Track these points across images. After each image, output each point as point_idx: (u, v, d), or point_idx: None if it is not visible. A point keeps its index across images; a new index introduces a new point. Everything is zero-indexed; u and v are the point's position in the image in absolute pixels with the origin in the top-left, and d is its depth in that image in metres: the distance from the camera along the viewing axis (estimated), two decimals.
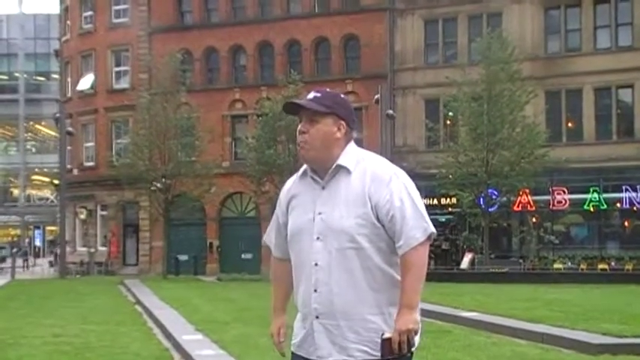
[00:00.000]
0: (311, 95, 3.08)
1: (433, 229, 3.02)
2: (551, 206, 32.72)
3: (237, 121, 38.22)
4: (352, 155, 3.04)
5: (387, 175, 3.01)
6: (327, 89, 3.16)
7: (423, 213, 3.02)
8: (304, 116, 3.05)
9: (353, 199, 2.97)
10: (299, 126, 3.08)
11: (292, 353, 3.13)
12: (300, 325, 3.08)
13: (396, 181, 3.01)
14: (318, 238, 2.97)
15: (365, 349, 2.93)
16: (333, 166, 3.02)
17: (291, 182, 3.20)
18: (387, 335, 2.93)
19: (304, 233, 3.01)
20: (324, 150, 3.02)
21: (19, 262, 45.33)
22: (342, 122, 3.05)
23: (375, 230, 2.96)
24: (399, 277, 2.96)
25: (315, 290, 2.97)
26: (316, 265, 2.96)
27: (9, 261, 39.32)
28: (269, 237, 3.29)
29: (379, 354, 2.92)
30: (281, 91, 31.06)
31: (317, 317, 2.97)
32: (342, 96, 3.18)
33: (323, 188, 3.03)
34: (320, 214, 2.99)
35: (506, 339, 10.70)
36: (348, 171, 3.02)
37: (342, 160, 3.02)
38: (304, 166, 3.12)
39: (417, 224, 2.97)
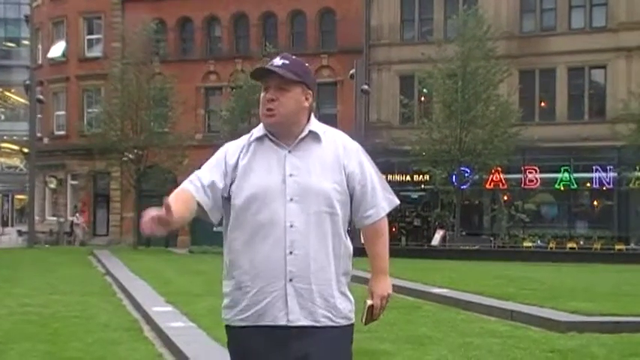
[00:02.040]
0: (279, 61, 2.99)
1: (398, 201, 3.15)
2: (522, 185, 32.99)
3: (211, 93, 37.94)
4: (319, 124, 3.05)
5: (355, 147, 3.08)
6: (293, 56, 3.08)
7: (387, 185, 3.14)
8: (272, 83, 2.96)
9: (329, 165, 2.97)
10: (266, 93, 2.98)
11: (238, 327, 2.94)
12: (257, 293, 2.89)
13: (362, 153, 3.09)
14: (292, 200, 2.90)
15: (328, 315, 2.92)
16: (306, 132, 2.99)
17: (238, 145, 3.05)
18: (369, 302, 3.02)
19: (272, 194, 2.90)
20: (293, 118, 2.98)
21: None
22: (310, 92, 3.03)
23: (345, 198, 2.99)
24: (351, 248, 3.03)
25: (291, 253, 2.87)
26: (292, 226, 2.88)
27: None
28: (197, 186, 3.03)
29: (342, 321, 2.94)
30: (256, 63, 30.71)
31: (290, 280, 2.87)
32: (307, 65, 3.13)
33: (289, 152, 2.97)
34: (292, 175, 2.92)
35: (476, 316, 10.78)
36: (318, 138, 3.01)
37: (313, 127, 3.01)
38: (259, 132, 3.02)
39: (385, 195, 3.08)
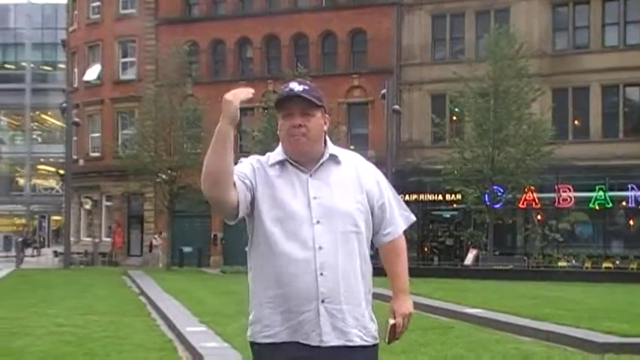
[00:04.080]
0: (299, 87, 3.00)
1: (414, 218, 3.21)
2: (556, 204, 32.63)
3: (243, 113, 37.01)
4: (335, 147, 3.09)
5: (371, 167, 3.15)
6: (307, 80, 3.11)
7: (403, 203, 3.20)
8: (297, 109, 2.98)
9: (350, 185, 3.02)
10: (289, 120, 2.99)
11: (265, 344, 2.93)
12: (285, 312, 2.90)
13: (377, 171, 3.16)
14: (318, 222, 2.93)
15: (360, 334, 2.95)
16: (326, 156, 3.03)
17: (261, 164, 3.04)
18: (392, 321, 3.05)
19: (298, 217, 2.92)
20: (318, 143, 3.03)
21: (30, 251, 45.68)
22: (327, 116, 3.09)
23: (367, 217, 3.04)
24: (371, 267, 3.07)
25: (322, 274, 2.89)
26: (320, 248, 2.90)
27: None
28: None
29: (371, 340, 2.97)
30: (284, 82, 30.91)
31: (322, 301, 2.89)
32: None
33: (311, 176, 3.00)
34: (315, 198, 2.95)
35: (511, 336, 10.67)
36: (337, 160, 3.05)
37: (332, 150, 3.06)
38: (279, 156, 3.03)
39: (401, 212, 3.15)
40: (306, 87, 3.01)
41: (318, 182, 2.99)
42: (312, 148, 3.01)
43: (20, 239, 43.28)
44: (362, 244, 3.00)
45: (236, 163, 3.02)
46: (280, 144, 3.08)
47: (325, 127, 3.06)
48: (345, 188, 3.00)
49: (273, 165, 3.03)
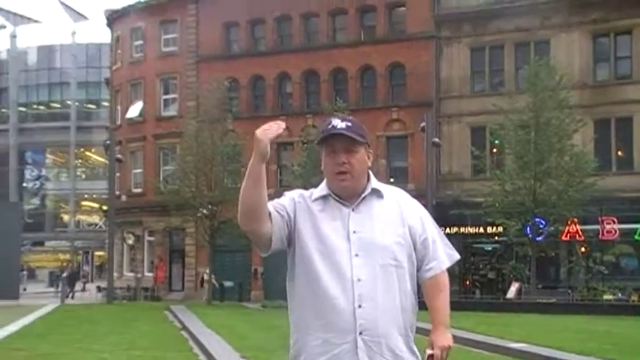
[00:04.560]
0: (342, 124, 3.05)
1: (458, 256, 3.23)
2: (600, 236, 32.10)
3: (283, 148, 38.41)
4: (378, 182, 3.13)
5: (414, 202, 3.18)
6: (350, 116, 3.15)
7: (447, 241, 3.21)
8: (341, 146, 3.03)
9: (392, 219, 3.05)
10: (333, 157, 3.04)
11: None
12: (321, 344, 2.93)
13: (421, 207, 3.20)
14: (357, 255, 2.96)
15: None
16: (369, 190, 3.07)
17: (303, 198, 3.10)
18: (430, 352, 3.04)
19: (338, 251, 2.96)
20: (362, 179, 3.07)
21: (79, 286, 46.33)
22: (371, 151, 3.13)
23: (410, 251, 3.06)
24: (416, 303, 3.09)
25: (360, 306, 2.92)
26: (359, 280, 2.93)
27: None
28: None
29: None
30: (326, 119, 31.15)
31: (360, 333, 2.91)
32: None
33: (352, 210, 3.04)
34: (355, 232, 2.99)
35: None
36: (380, 194, 3.09)
37: (374, 184, 3.10)
38: (322, 191, 3.08)
39: (445, 250, 3.16)
40: (349, 124, 3.06)
41: (360, 216, 3.03)
42: (356, 185, 3.05)
43: (65, 274, 43.86)
44: (402, 278, 3.02)
45: (280, 197, 3.11)
46: (324, 181, 3.12)
47: (369, 163, 3.10)
48: (386, 222, 3.04)
49: (316, 200, 3.08)
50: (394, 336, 2.97)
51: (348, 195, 3.06)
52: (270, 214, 2.97)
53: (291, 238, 3.05)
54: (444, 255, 3.14)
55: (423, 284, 3.14)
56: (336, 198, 3.06)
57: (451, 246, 3.21)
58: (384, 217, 3.04)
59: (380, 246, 2.99)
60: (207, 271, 35.40)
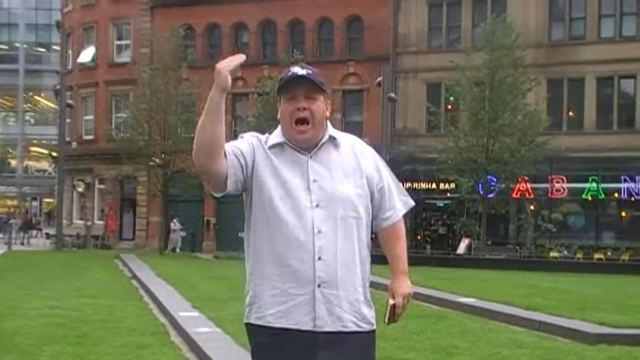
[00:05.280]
0: (303, 71, 2.98)
1: (413, 202, 3.21)
2: (549, 194, 32.71)
3: (238, 99, 38.05)
4: (334, 129, 3.07)
5: (370, 151, 3.13)
6: (310, 66, 3.08)
7: (402, 187, 3.21)
8: (300, 92, 2.97)
9: (351, 169, 3.01)
10: (292, 103, 2.97)
11: (258, 326, 2.93)
12: (278, 294, 2.89)
13: (376, 155, 3.15)
14: (317, 206, 2.91)
15: (354, 320, 2.94)
16: (326, 138, 3.02)
17: (260, 141, 3.03)
18: (392, 301, 3.04)
19: (298, 199, 2.91)
20: (320, 129, 3.01)
21: (34, 233, 45.86)
22: (329, 102, 3.08)
23: (367, 202, 3.03)
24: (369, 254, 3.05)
25: (320, 258, 2.88)
26: (319, 232, 2.89)
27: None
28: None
29: (367, 326, 2.97)
30: (283, 70, 30.90)
31: (319, 286, 2.88)
32: None
33: (310, 158, 2.98)
34: (315, 181, 2.94)
35: (503, 326, 10.72)
36: (337, 143, 3.04)
37: (331, 132, 3.04)
38: (278, 138, 3.01)
39: (400, 196, 3.15)
40: (310, 71, 3.00)
41: (318, 165, 2.98)
42: (315, 135, 2.99)
43: (17, 221, 43.22)
44: (361, 229, 2.99)
45: (236, 139, 3.04)
46: (279, 127, 3.05)
47: (327, 113, 3.04)
48: (344, 172, 2.99)
49: (271, 147, 3.01)
50: (352, 288, 2.95)
51: (305, 145, 3.00)
52: (225, 154, 2.90)
53: (248, 183, 2.98)
54: (399, 203, 3.13)
55: (381, 233, 3.12)
56: (292, 145, 3.00)
57: (405, 192, 3.20)
58: (342, 166, 3.00)
59: (341, 197, 2.95)
60: (175, 220, 35.20)
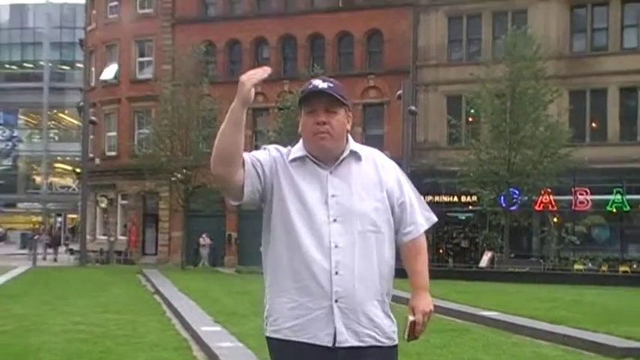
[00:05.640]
0: (324, 84, 2.99)
1: (435, 218, 3.17)
2: (573, 207, 32.44)
3: (259, 114, 38.20)
4: (356, 144, 3.07)
5: (392, 165, 3.12)
6: (331, 78, 3.09)
7: (424, 202, 3.19)
8: (321, 106, 2.97)
9: (370, 183, 3.00)
10: (312, 117, 2.97)
11: (276, 340, 2.93)
12: (295, 307, 2.89)
13: (398, 170, 3.13)
14: (335, 220, 2.91)
15: (373, 334, 2.92)
16: (347, 152, 3.01)
17: (281, 154, 3.04)
18: (412, 318, 3.01)
19: (315, 214, 2.91)
20: (340, 141, 3.01)
21: (62, 249, 46.27)
22: (350, 115, 3.07)
23: (388, 216, 3.02)
24: (393, 268, 3.04)
25: (337, 273, 2.87)
26: (336, 247, 2.88)
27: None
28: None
29: (387, 341, 2.95)
30: (303, 84, 31.07)
31: (336, 301, 2.87)
32: None
33: (330, 173, 2.98)
34: (333, 196, 2.94)
35: (527, 340, 10.61)
36: (358, 157, 3.04)
37: (353, 146, 3.04)
38: (299, 152, 3.02)
39: (423, 211, 3.13)
40: (331, 84, 3.00)
41: (338, 180, 2.97)
42: (335, 146, 2.99)
43: (43, 237, 43.55)
44: (381, 244, 2.98)
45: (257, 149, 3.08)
46: (301, 141, 3.06)
47: (348, 126, 3.04)
48: (364, 187, 2.98)
49: (293, 160, 3.02)
50: (370, 303, 2.93)
51: (326, 157, 3.00)
52: (244, 163, 2.93)
53: (266, 194, 2.99)
54: (421, 218, 3.10)
55: (402, 248, 3.10)
56: (314, 160, 3.00)
57: (428, 208, 3.18)
58: (362, 181, 2.99)
59: (358, 212, 2.94)
60: (204, 235, 35.34)
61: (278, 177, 2.99)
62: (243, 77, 2.85)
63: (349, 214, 2.92)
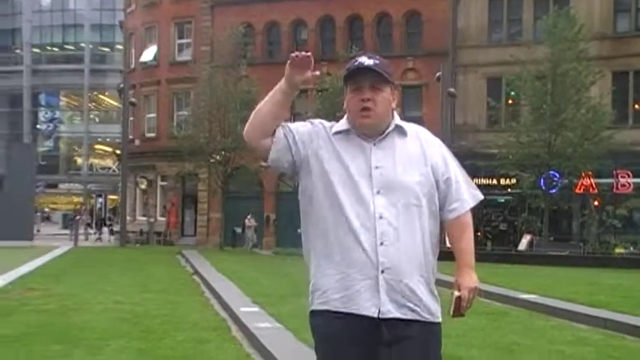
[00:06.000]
0: (369, 61, 2.97)
1: (482, 196, 3.14)
2: (614, 190, 31.95)
3: (298, 96, 36.96)
4: (401, 121, 3.07)
5: (437, 142, 3.11)
6: (377, 56, 3.07)
7: (470, 180, 3.14)
8: (366, 83, 2.96)
9: (414, 158, 2.99)
10: (357, 94, 2.97)
11: (324, 311, 2.92)
12: (343, 278, 2.88)
13: (443, 146, 3.12)
14: (379, 192, 2.90)
15: (417, 309, 2.91)
16: (392, 127, 3.01)
17: (325, 128, 3.05)
18: (457, 293, 3.00)
19: (360, 185, 2.90)
20: (385, 118, 3.00)
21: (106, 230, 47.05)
22: (396, 92, 3.06)
23: (432, 191, 2.99)
24: (438, 246, 3.03)
25: (382, 243, 2.86)
26: (381, 217, 2.87)
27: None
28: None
29: (429, 317, 2.93)
30: (342, 66, 31.03)
31: (382, 271, 2.86)
32: None
33: (374, 145, 2.97)
34: (377, 168, 2.93)
35: (567, 323, 10.51)
36: (403, 132, 3.03)
37: (398, 122, 3.04)
38: (343, 126, 3.02)
39: (469, 188, 3.09)
40: (377, 61, 2.98)
41: (382, 152, 2.97)
42: (379, 123, 2.98)
43: (84, 218, 44.24)
44: (424, 217, 2.95)
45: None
46: (345, 116, 3.05)
47: (393, 104, 3.03)
48: (408, 160, 2.97)
49: (335, 134, 3.02)
50: (415, 277, 2.91)
51: (370, 132, 2.99)
52: (274, 132, 2.99)
53: (301, 166, 3.01)
54: (467, 194, 3.07)
55: (447, 225, 3.08)
56: (358, 133, 3.00)
57: (474, 185, 3.14)
58: (406, 154, 2.98)
59: (402, 184, 2.92)
60: (249, 217, 35.60)
61: (319, 149, 2.98)
62: (294, 66, 3.00)
63: (393, 187, 2.91)
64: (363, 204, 2.89)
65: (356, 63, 3.00)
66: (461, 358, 7.27)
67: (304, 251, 3.09)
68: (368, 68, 2.95)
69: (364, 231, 2.87)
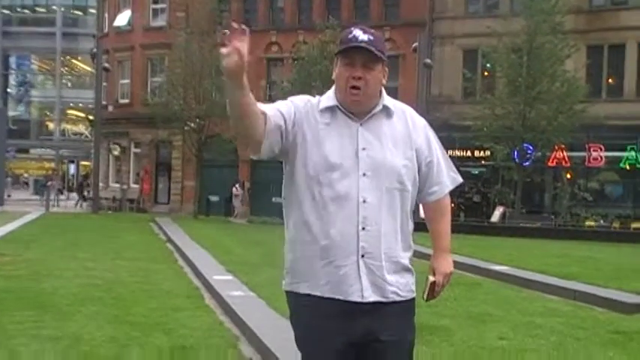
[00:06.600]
0: (364, 36, 2.88)
1: (461, 179, 3.16)
2: (586, 163, 32.28)
3: (273, 64, 37.95)
4: (389, 97, 3.01)
5: (423, 123, 3.07)
6: (372, 29, 2.98)
7: (451, 163, 3.14)
8: (359, 61, 2.87)
9: (401, 140, 2.94)
10: (348, 69, 2.87)
11: (304, 295, 2.89)
12: (328, 264, 2.85)
13: (428, 128, 3.07)
14: (364, 174, 2.86)
15: (396, 290, 2.90)
16: (379, 107, 2.94)
17: (311, 106, 2.95)
18: (432, 278, 3.02)
19: (345, 167, 2.85)
20: (373, 98, 2.94)
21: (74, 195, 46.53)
22: (386, 69, 2.98)
23: (415, 174, 2.97)
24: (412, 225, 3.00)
25: (364, 228, 2.83)
26: (364, 202, 2.84)
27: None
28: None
29: (408, 294, 2.94)
30: (318, 35, 30.81)
31: (362, 256, 2.84)
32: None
33: (361, 125, 2.91)
34: (364, 149, 2.88)
35: (538, 294, 10.64)
36: (390, 113, 2.97)
37: (386, 101, 2.97)
38: (330, 101, 2.93)
39: (449, 173, 3.09)
40: (372, 37, 2.90)
41: (369, 133, 2.91)
42: (367, 102, 2.92)
43: (55, 184, 43.73)
44: (405, 201, 2.94)
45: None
46: (332, 89, 2.98)
47: (384, 81, 2.95)
48: (394, 142, 2.93)
49: (323, 111, 2.94)
50: (395, 260, 2.91)
51: (356, 111, 2.93)
52: (266, 119, 2.80)
53: (288, 148, 2.90)
54: (447, 178, 3.08)
55: (425, 207, 3.09)
56: (344, 111, 2.93)
57: (455, 169, 3.14)
58: (393, 136, 2.93)
59: (388, 167, 2.89)
60: (237, 185, 35.45)
61: (304, 129, 2.90)
62: (224, 51, 2.77)
63: (379, 169, 2.87)
64: (347, 187, 2.84)
65: (350, 36, 2.89)
66: (434, 327, 7.33)
67: (285, 226, 3.03)
68: (363, 47, 2.86)
69: (346, 215, 2.83)
